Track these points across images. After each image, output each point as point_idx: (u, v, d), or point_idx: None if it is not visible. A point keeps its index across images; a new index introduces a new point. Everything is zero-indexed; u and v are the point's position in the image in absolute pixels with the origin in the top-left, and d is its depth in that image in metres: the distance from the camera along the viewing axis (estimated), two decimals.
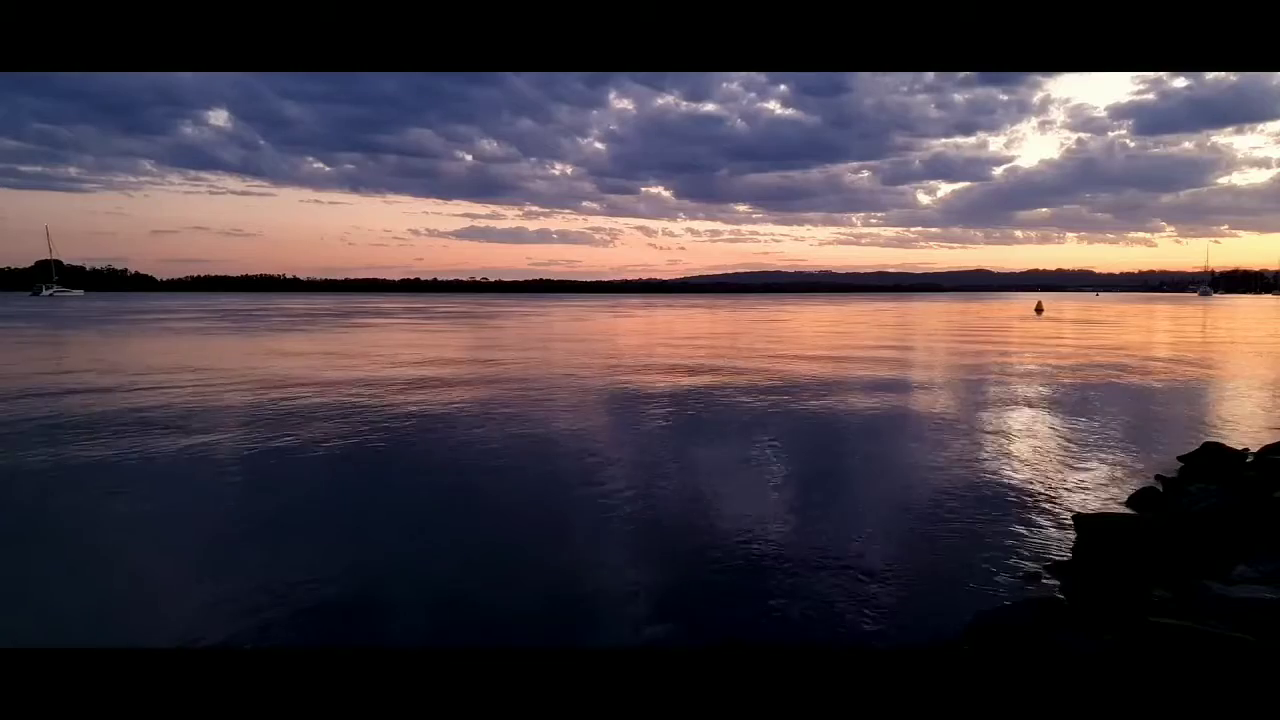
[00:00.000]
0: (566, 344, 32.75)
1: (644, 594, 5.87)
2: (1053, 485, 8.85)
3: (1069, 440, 11.47)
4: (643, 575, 6.23)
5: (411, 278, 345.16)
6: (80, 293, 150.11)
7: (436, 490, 8.92)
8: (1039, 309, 67.78)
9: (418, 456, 10.52)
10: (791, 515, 7.83)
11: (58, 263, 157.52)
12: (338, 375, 19.80)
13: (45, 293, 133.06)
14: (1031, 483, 8.95)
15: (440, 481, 9.26)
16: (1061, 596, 5.62)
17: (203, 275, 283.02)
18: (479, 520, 7.80)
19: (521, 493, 8.83)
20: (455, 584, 6.12)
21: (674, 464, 10.12)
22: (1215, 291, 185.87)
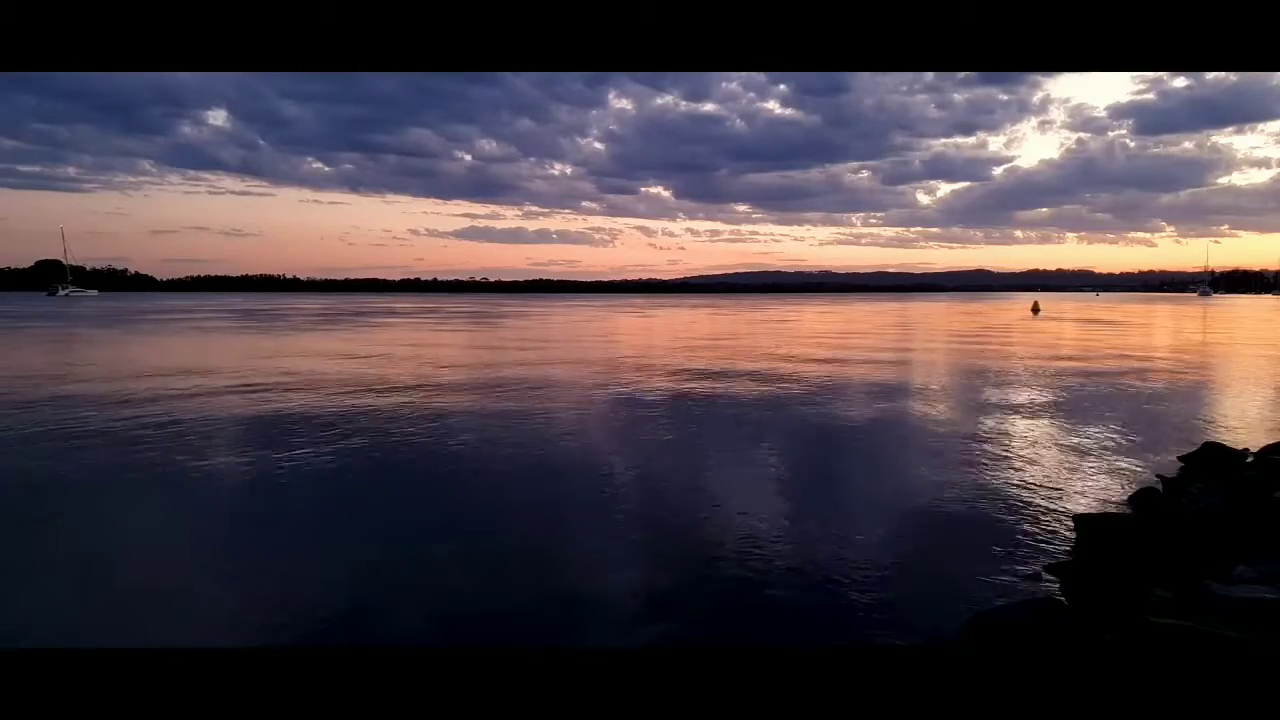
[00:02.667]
0: (593, 342, 33.71)
1: (654, 594, 5.87)
2: (1053, 485, 8.84)
3: (1069, 440, 11.46)
4: (657, 575, 6.24)
5: (412, 278, 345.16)
6: (94, 293, 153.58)
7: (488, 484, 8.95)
8: (1035, 309, 67.19)
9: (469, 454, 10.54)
10: (793, 515, 7.83)
11: (59, 263, 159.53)
12: (398, 371, 20.69)
13: (61, 293, 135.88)
14: (1031, 482, 8.94)
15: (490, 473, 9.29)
16: (1061, 596, 5.62)
17: (203, 275, 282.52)
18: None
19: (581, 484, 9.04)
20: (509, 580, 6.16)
21: (685, 460, 10.13)
22: (1215, 291, 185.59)
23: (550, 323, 52.18)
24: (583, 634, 5.25)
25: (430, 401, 15.37)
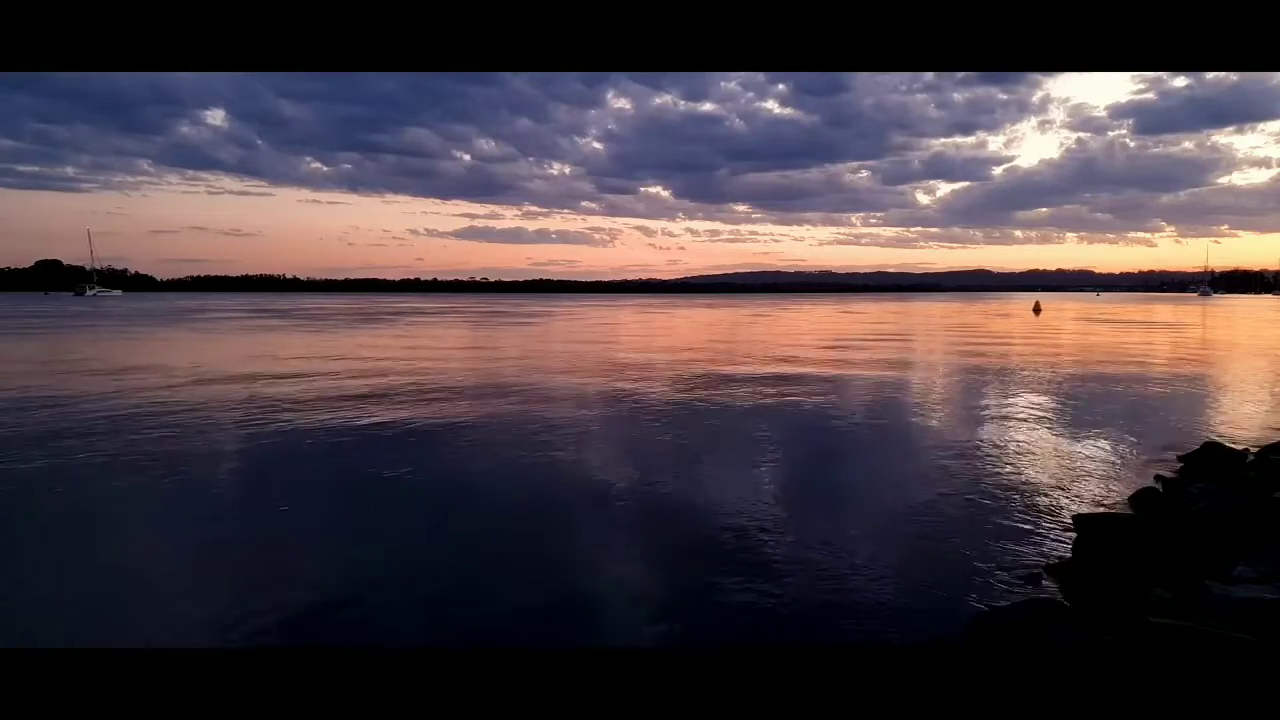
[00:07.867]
0: (627, 340, 35.69)
1: (663, 594, 5.88)
2: (1053, 485, 8.84)
3: (1069, 440, 11.46)
4: (672, 574, 6.25)
5: (412, 278, 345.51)
6: (118, 293, 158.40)
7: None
8: (1037, 309, 67.48)
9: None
10: (793, 514, 7.82)
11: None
12: (512, 361, 23.98)
13: (89, 293, 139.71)
14: (1031, 482, 8.94)
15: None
16: (1061, 596, 5.62)
17: (203, 275, 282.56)
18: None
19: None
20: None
21: (681, 452, 10.14)
22: (1215, 291, 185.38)
23: (587, 320, 54.01)
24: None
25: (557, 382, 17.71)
